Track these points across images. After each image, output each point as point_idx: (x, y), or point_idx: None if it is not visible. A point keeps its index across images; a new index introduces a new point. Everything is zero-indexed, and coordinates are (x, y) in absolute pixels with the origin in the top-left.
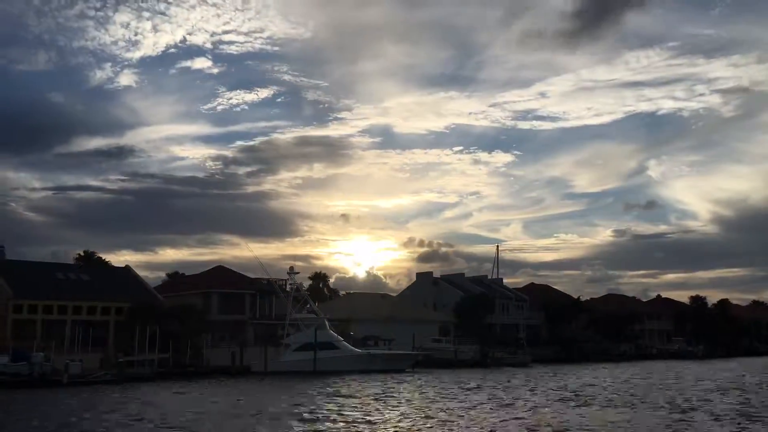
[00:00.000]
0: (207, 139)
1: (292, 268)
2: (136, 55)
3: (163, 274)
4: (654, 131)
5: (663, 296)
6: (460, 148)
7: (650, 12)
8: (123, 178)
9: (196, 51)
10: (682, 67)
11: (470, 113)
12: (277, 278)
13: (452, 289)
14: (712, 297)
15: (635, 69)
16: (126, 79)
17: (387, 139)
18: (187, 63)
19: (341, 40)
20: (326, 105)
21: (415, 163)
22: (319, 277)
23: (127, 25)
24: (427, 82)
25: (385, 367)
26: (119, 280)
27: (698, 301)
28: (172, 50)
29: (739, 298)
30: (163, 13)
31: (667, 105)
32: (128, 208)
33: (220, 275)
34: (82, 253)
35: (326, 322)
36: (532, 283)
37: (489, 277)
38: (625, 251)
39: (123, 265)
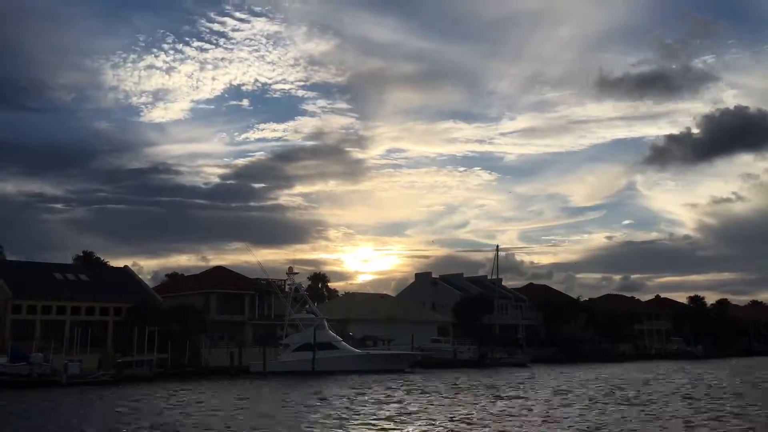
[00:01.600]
0: (231, 155)
1: (290, 268)
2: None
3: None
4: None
5: (661, 296)
6: (464, 168)
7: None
8: (151, 191)
9: (237, 91)
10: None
11: (476, 140)
12: (276, 279)
13: (451, 290)
14: (709, 298)
15: (618, 107)
16: (170, 114)
17: (399, 161)
18: (225, 98)
19: (366, 84)
20: (348, 131)
21: (422, 181)
22: (318, 278)
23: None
24: (438, 116)
25: (384, 367)
26: (118, 281)
27: (697, 301)
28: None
29: (733, 300)
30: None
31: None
32: (153, 219)
33: (220, 276)
34: (81, 254)
35: (325, 323)
36: (531, 284)
37: (488, 278)
38: (618, 256)
39: (122, 266)
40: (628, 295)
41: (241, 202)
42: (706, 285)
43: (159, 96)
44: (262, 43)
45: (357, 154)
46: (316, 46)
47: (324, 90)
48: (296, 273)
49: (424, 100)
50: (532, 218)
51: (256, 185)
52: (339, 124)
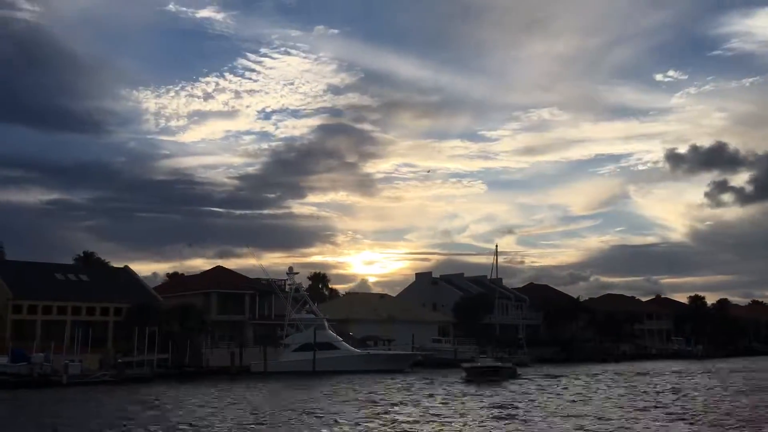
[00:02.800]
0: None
1: (291, 268)
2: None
3: None
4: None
5: (662, 296)
6: (470, 180)
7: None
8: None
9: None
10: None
11: (479, 157)
12: (276, 278)
13: (451, 289)
14: (709, 298)
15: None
16: (201, 135)
17: (407, 175)
18: (255, 122)
19: (382, 111)
20: (361, 148)
21: (428, 193)
22: (319, 278)
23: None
24: (446, 136)
25: (384, 367)
26: (119, 281)
27: (697, 301)
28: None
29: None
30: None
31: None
32: (173, 227)
33: (220, 276)
34: (82, 254)
35: (325, 323)
36: (532, 284)
37: (488, 278)
38: (616, 259)
39: (122, 266)
40: (629, 295)
41: (255, 210)
42: (702, 287)
43: (194, 120)
44: (293, 78)
45: (368, 168)
46: (342, 80)
47: (343, 113)
48: (296, 273)
49: (434, 125)
50: (531, 225)
51: (270, 195)
52: (353, 140)
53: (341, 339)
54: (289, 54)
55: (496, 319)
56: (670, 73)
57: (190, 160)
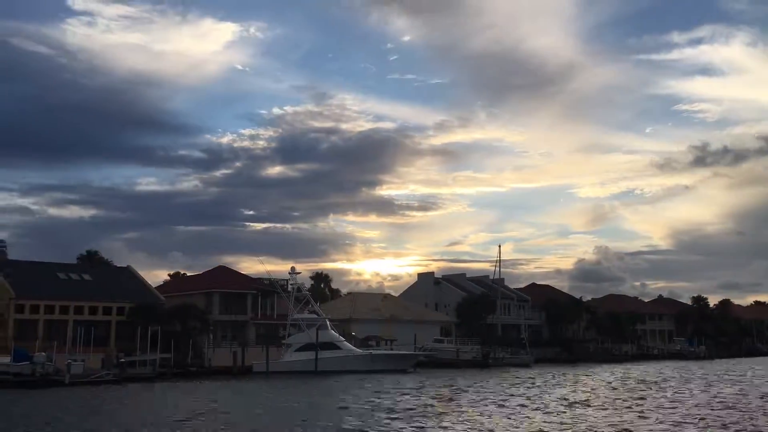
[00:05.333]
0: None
1: (293, 268)
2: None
3: None
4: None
5: (664, 297)
6: (476, 206)
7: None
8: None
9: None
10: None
11: (486, 185)
12: (278, 278)
13: (454, 290)
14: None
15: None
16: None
17: (417, 200)
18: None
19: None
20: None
21: (436, 215)
22: (321, 278)
23: None
24: (457, 168)
25: (386, 367)
26: (121, 280)
27: (700, 301)
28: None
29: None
30: None
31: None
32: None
33: (222, 275)
34: (84, 253)
35: (328, 323)
36: (534, 284)
37: (490, 278)
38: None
39: (125, 265)
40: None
41: (280, 223)
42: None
43: None
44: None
45: (387, 191)
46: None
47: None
48: (298, 273)
49: (448, 162)
50: (528, 238)
51: (296, 213)
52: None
53: (343, 339)
54: None
55: (498, 319)
56: None
57: None
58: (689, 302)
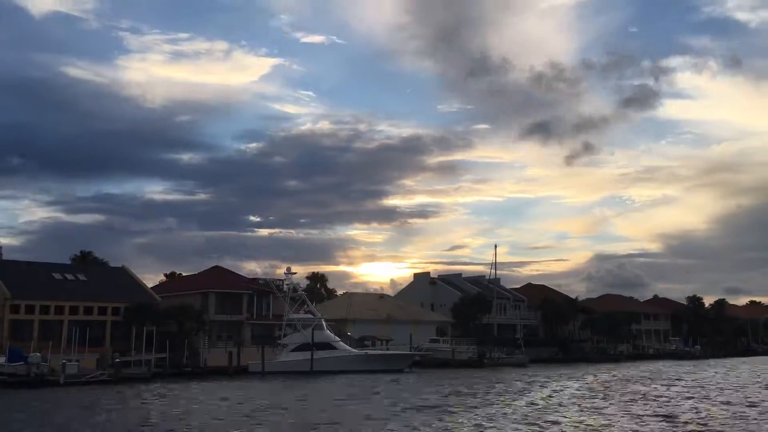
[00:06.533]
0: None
1: (288, 268)
2: None
3: None
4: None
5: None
6: (474, 213)
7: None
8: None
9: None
10: None
11: (484, 195)
12: (274, 278)
13: (450, 290)
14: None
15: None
16: None
17: (418, 208)
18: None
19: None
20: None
21: (436, 222)
22: (317, 278)
23: None
24: (457, 181)
25: (382, 367)
26: (116, 281)
27: (695, 301)
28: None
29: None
30: None
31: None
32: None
33: (218, 275)
34: (79, 254)
35: (323, 323)
36: (529, 284)
37: (486, 278)
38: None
39: (120, 265)
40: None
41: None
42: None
43: None
44: None
45: (391, 201)
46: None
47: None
48: (294, 273)
49: (449, 176)
50: (522, 243)
51: (303, 220)
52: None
53: (339, 339)
54: None
55: (494, 319)
56: None
57: None
58: (684, 302)
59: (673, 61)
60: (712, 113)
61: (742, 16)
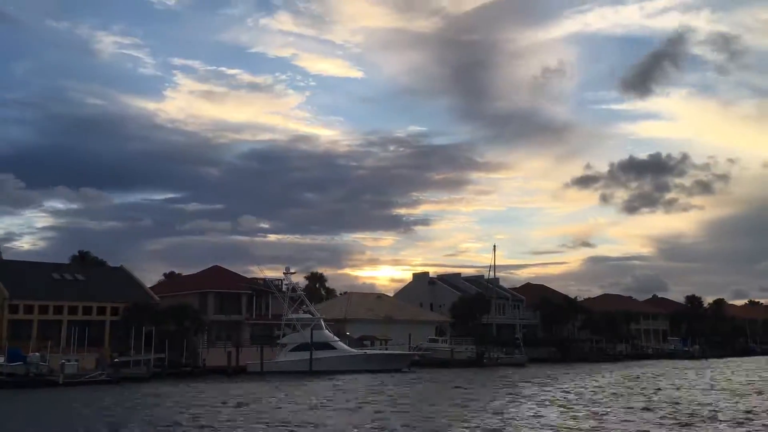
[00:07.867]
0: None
1: (287, 268)
2: None
3: None
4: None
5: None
6: (476, 220)
7: None
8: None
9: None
10: None
11: (486, 204)
12: (273, 278)
13: (448, 290)
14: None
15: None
16: None
17: (422, 217)
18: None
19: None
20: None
21: (440, 231)
22: (316, 278)
23: None
24: (462, 192)
25: (381, 367)
26: (115, 280)
27: (694, 300)
28: None
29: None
30: None
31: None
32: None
33: (217, 275)
34: (77, 254)
35: (322, 322)
36: (528, 284)
37: (485, 278)
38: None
39: (118, 265)
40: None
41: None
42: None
43: None
44: None
45: (398, 211)
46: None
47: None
48: (293, 273)
49: (453, 191)
50: (520, 248)
51: (316, 226)
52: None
53: (338, 339)
54: None
55: (492, 319)
56: None
57: None
58: (683, 302)
59: None
60: None
61: None
